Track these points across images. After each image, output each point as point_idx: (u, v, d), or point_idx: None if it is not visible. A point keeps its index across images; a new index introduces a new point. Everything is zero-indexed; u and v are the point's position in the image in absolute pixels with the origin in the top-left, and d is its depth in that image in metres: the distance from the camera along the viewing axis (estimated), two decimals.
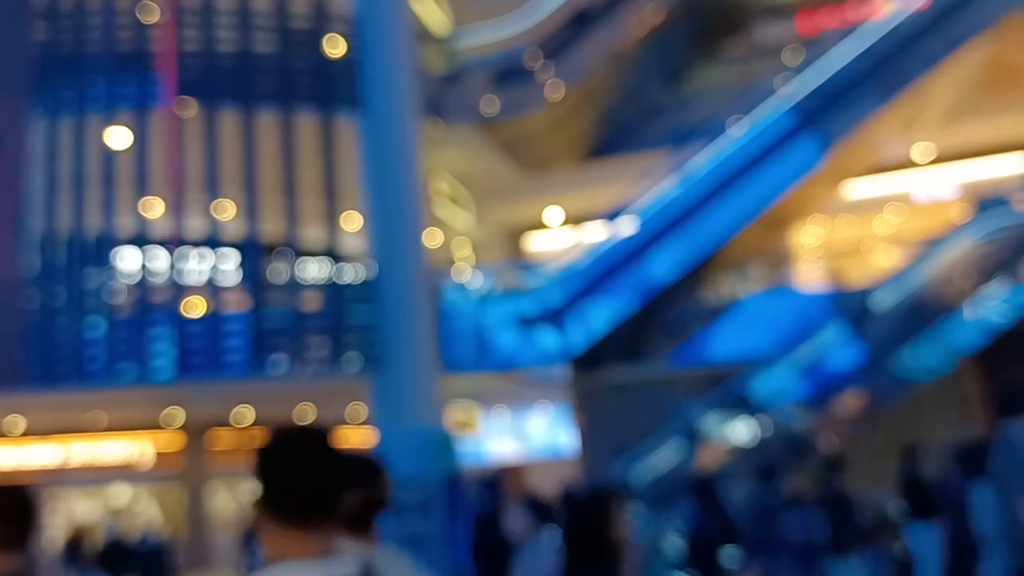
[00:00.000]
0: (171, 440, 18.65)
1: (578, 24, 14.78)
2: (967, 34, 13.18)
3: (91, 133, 12.69)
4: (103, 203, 12.60)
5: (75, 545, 10.97)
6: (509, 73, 14.88)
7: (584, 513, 3.41)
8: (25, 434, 17.09)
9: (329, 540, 1.81)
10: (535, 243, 20.12)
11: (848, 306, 14.28)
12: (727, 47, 17.75)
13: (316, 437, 1.86)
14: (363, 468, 2.74)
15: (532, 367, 14.92)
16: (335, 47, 13.61)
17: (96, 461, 18.10)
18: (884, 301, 14.27)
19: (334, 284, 12.88)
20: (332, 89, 13.27)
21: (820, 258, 17.59)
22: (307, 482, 1.79)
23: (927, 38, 13.38)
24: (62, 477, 17.75)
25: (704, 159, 13.86)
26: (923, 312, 13.36)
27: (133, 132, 12.67)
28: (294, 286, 12.79)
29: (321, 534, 1.80)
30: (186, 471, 18.77)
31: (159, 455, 18.67)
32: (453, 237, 19.43)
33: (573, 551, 3.32)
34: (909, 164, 18.48)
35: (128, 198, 12.56)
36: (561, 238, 16.92)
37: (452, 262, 17.25)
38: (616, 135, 16.41)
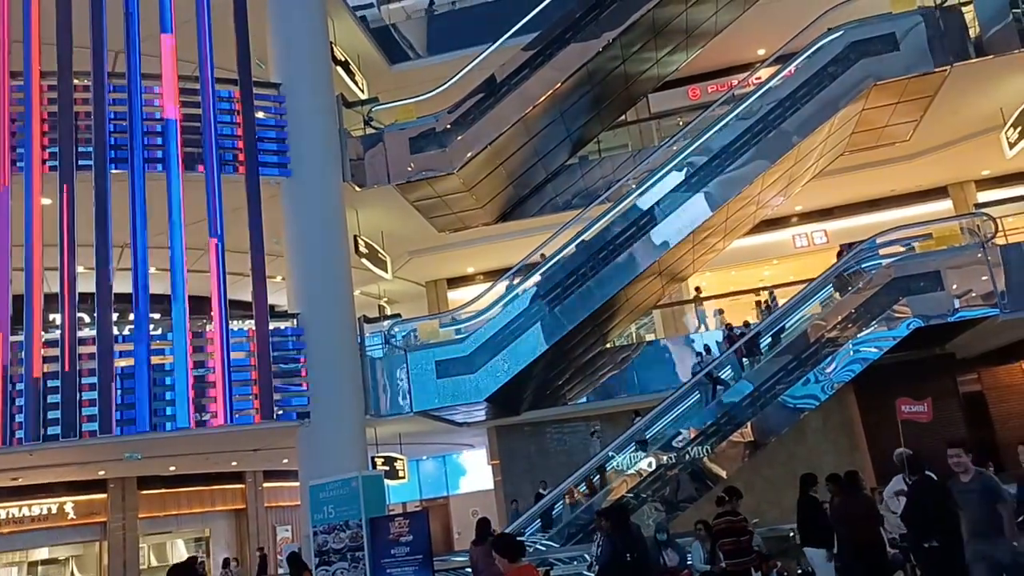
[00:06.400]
0: (96, 497, 18.45)
1: (488, 91, 15.77)
2: (841, 98, 14.51)
3: (15, 195, 12.91)
4: (26, 263, 12.76)
5: None
6: (423, 137, 15.73)
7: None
8: None
9: None
10: (454, 295, 21.05)
11: (739, 346, 15.59)
12: (627, 114, 19.14)
13: None
14: None
15: (452, 412, 15.58)
16: (263, 112, 14.31)
17: (18, 521, 17.74)
18: (771, 339, 15.67)
19: (263, 337, 13.31)
20: (259, 152, 13.94)
21: (714, 304, 18.88)
22: None
23: (805, 104, 14.79)
24: None
25: (605, 217, 14.98)
26: (805, 347, 14.65)
27: (60, 193, 12.91)
28: (224, 340, 13.13)
29: None
30: (111, 528, 18.50)
31: (84, 512, 18.41)
32: (376, 291, 20.16)
33: None
34: (789, 216, 20.24)
35: (53, 257, 12.69)
36: (477, 291, 17.82)
37: (376, 314, 17.81)
38: (527, 196, 17.54)
